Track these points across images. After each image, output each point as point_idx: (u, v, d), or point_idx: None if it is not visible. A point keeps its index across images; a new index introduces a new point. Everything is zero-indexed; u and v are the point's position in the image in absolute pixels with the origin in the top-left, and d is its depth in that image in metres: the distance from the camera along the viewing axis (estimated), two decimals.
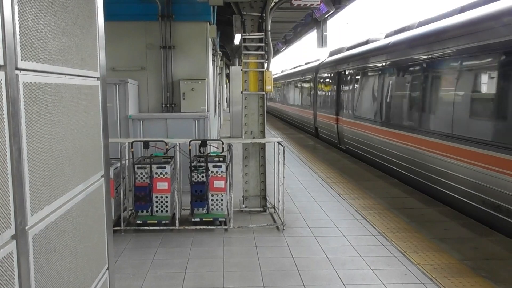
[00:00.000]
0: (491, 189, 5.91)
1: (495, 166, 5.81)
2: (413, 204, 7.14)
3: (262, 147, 6.82)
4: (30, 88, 1.72)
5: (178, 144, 5.97)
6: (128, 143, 6.05)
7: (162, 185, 5.88)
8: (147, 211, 5.91)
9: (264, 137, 6.78)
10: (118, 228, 5.75)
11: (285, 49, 24.72)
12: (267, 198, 6.95)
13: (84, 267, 2.35)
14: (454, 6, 8.27)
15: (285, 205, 6.17)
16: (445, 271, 4.51)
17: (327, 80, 15.37)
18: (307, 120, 18.65)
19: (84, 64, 2.36)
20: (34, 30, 1.75)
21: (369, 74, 11.08)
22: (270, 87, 6.65)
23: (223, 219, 5.96)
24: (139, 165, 5.90)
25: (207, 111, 8.80)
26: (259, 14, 6.61)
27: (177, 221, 5.86)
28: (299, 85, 21.13)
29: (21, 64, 1.64)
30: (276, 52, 25.57)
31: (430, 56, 7.72)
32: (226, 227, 5.92)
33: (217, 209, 5.97)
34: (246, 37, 6.65)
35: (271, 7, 6.72)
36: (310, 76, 18.19)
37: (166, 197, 5.94)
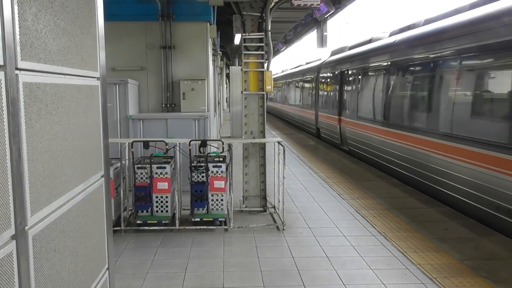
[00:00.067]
0: None
1: None
2: (413, 204, 7.14)
3: (262, 147, 6.82)
4: (30, 88, 1.72)
5: (178, 144, 5.97)
6: (128, 143, 6.05)
7: (162, 185, 5.88)
8: (147, 211, 5.91)
9: (264, 137, 6.78)
10: (118, 228, 5.75)
11: (285, 49, 24.72)
12: (267, 198, 6.95)
13: (84, 267, 2.35)
14: (462, 3, 7.98)
15: (285, 205, 6.17)
16: (445, 271, 4.51)
17: (329, 80, 15.10)
18: (309, 120, 18.40)
19: (84, 64, 2.36)
20: (34, 30, 1.75)
21: (373, 73, 10.79)
22: (270, 87, 6.65)
23: (223, 219, 5.96)
24: (139, 165, 5.90)
25: (207, 111, 8.80)
26: (259, 14, 6.61)
27: (177, 221, 5.86)
28: (300, 85, 20.83)
29: (21, 64, 1.64)
30: (276, 52, 25.57)
31: (440, 54, 7.39)
32: (226, 227, 5.92)
33: (217, 209, 5.97)
34: (246, 37, 6.65)
35: (271, 7, 6.72)
36: (312, 76, 17.91)
37: (166, 197, 5.94)
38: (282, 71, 31.39)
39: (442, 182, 7.23)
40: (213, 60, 12.43)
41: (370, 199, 7.45)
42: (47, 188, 1.88)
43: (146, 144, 6.10)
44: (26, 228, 1.70)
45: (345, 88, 12.94)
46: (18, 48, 1.62)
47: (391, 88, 9.49)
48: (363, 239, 5.52)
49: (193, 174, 5.88)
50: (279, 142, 6.50)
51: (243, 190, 6.88)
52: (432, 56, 7.70)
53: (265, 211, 6.80)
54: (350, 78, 12.52)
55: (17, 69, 1.61)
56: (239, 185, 6.97)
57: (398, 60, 9.14)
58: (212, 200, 5.94)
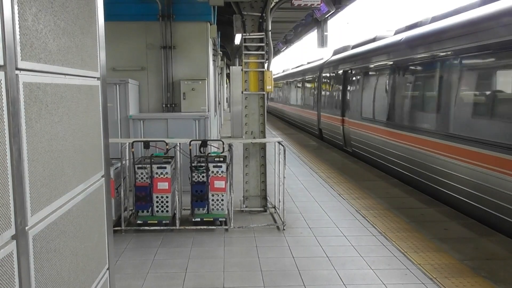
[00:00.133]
0: None
1: None
2: (413, 204, 7.14)
3: (263, 147, 6.82)
4: (30, 88, 1.72)
5: (178, 144, 5.97)
6: (129, 143, 6.05)
7: (163, 185, 5.88)
8: (147, 211, 5.91)
9: (264, 137, 6.78)
10: (119, 228, 5.75)
11: (285, 49, 24.71)
12: (268, 198, 6.95)
13: (84, 267, 2.35)
14: (469, 0, 7.68)
15: (286, 205, 6.17)
16: (446, 271, 4.51)
17: (332, 79, 14.73)
18: (311, 121, 18.02)
19: (84, 64, 2.36)
20: (34, 30, 1.75)
21: (379, 72, 10.40)
22: (270, 87, 6.65)
23: (224, 219, 5.96)
24: (140, 165, 5.90)
25: (208, 111, 8.80)
26: (260, 14, 6.61)
27: (177, 221, 5.86)
28: (302, 85, 20.39)
29: (21, 64, 1.64)
30: (277, 52, 25.56)
31: (452, 52, 6.99)
32: (226, 227, 5.92)
33: (217, 209, 5.97)
34: (246, 37, 6.65)
35: (271, 7, 6.72)
36: (314, 76, 17.51)
37: (167, 197, 5.94)
38: (283, 71, 31.08)
39: (458, 189, 6.73)
40: (214, 60, 12.43)
41: (371, 199, 7.45)
42: (47, 188, 1.88)
43: (146, 144, 6.10)
44: (27, 228, 1.70)
45: (349, 88, 12.58)
46: (18, 48, 1.62)
47: (399, 88, 9.09)
48: (363, 239, 5.52)
49: (193, 174, 5.88)
50: (279, 142, 6.50)
51: (244, 190, 6.88)
52: (442, 54, 7.31)
53: (265, 211, 6.80)
54: (354, 78, 12.15)
55: (17, 69, 1.61)
56: (239, 185, 6.97)
57: (406, 58, 8.74)
58: (213, 200, 5.94)
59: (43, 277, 1.84)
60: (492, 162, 5.92)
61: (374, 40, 11.96)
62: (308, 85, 19.03)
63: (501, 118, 5.89)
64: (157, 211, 5.94)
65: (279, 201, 6.41)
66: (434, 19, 8.68)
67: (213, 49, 11.32)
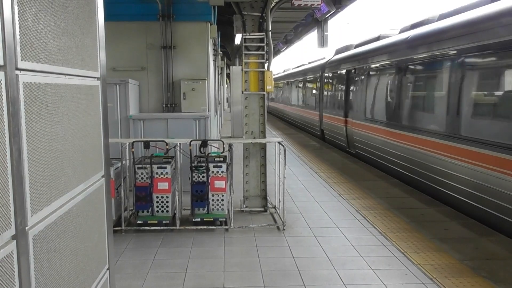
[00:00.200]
0: None
1: None
2: (413, 204, 7.14)
3: (263, 147, 6.82)
4: (30, 88, 1.72)
5: (178, 144, 5.97)
6: (129, 143, 6.05)
7: (163, 185, 5.88)
8: (147, 211, 5.91)
9: (264, 137, 6.78)
10: (119, 228, 5.75)
11: (285, 49, 24.70)
12: (268, 198, 6.95)
13: (84, 267, 2.35)
14: None
15: (286, 205, 6.17)
16: (446, 271, 4.51)
17: (334, 79, 14.38)
18: (312, 121, 17.66)
19: (84, 64, 2.36)
20: (34, 30, 1.75)
21: (384, 72, 10.05)
22: (270, 87, 6.65)
23: (224, 219, 5.96)
24: (140, 165, 5.90)
25: (208, 111, 8.80)
26: (260, 14, 6.61)
27: (177, 221, 5.86)
28: (303, 85, 20.00)
29: (21, 64, 1.64)
30: (277, 52, 25.55)
31: (465, 50, 6.62)
32: (226, 227, 5.92)
33: (217, 209, 5.97)
34: (246, 37, 6.65)
35: (271, 7, 6.72)
36: (316, 76, 17.17)
37: (167, 197, 5.94)
38: (284, 71, 30.70)
39: (467, 193, 6.50)
40: (214, 60, 12.44)
41: (371, 199, 7.45)
42: (48, 188, 1.88)
43: (146, 144, 6.10)
44: (27, 228, 1.70)
45: (352, 88, 12.24)
46: (18, 48, 1.62)
47: (407, 87, 8.72)
48: (363, 239, 5.52)
49: (193, 174, 5.88)
50: (279, 142, 6.50)
51: (244, 190, 6.88)
52: (453, 52, 6.94)
53: (265, 211, 6.80)
54: (358, 78, 11.78)
55: (17, 69, 1.61)
56: (239, 185, 6.97)
57: (414, 57, 8.40)
58: (213, 200, 5.94)
59: (43, 277, 1.84)
60: None
61: (378, 39, 11.72)
62: (309, 85, 18.73)
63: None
64: (157, 211, 5.94)
65: (279, 201, 6.41)
66: (442, 17, 8.44)
67: (213, 49, 11.33)
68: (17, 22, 1.60)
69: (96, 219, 2.58)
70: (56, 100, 1.98)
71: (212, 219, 5.91)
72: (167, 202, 5.95)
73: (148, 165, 5.86)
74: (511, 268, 4.58)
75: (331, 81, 14.91)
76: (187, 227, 5.88)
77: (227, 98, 30.99)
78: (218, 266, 4.72)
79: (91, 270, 2.47)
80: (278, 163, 6.76)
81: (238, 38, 10.26)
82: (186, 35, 8.88)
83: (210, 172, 5.89)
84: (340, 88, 13.56)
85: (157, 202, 5.93)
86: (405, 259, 4.87)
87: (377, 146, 10.17)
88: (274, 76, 30.07)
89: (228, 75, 24.33)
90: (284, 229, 5.92)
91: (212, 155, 6.25)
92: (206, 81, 8.93)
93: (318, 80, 16.66)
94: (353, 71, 12.27)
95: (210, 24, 9.14)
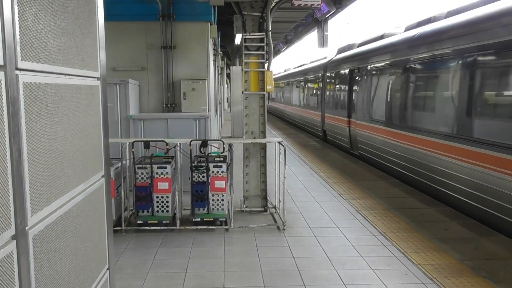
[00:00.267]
0: None
1: None
2: (413, 204, 7.14)
3: (263, 147, 6.82)
4: (30, 88, 1.72)
5: (178, 144, 5.97)
6: (129, 143, 6.05)
7: (163, 185, 5.88)
8: (147, 211, 5.91)
9: (264, 137, 6.78)
10: (119, 228, 5.75)
11: (286, 49, 24.70)
12: (268, 198, 6.95)
13: (84, 267, 2.35)
14: None
15: (286, 205, 6.17)
16: (446, 271, 4.51)
17: (337, 79, 14.04)
18: (314, 122, 17.32)
19: (84, 64, 2.36)
20: (34, 30, 1.75)
21: (390, 71, 9.69)
22: (270, 87, 6.65)
23: (224, 219, 5.96)
24: (140, 165, 5.90)
25: (208, 111, 8.81)
26: (260, 14, 6.61)
27: (177, 221, 5.86)
28: (305, 85, 19.67)
29: (21, 64, 1.64)
30: (277, 52, 25.55)
31: (481, 47, 6.23)
32: (226, 227, 5.92)
33: (217, 209, 5.97)
34: (246, 37, 6.65)
35: (271, 7, 6.72)
36: (318, 75, 16.83)
37: (167, 197, 5.94)
38: (285, 70, 30.44)
39: (476, 197, 6.24)
40: (214, 60, 12.44)
41: (371, 199, 7.45)
42: (47, 188, 1.88)
43: (146, 144, 6.10)
44: (27, 228, 1.70)
45: (356, 88, 11.86)
46: (18, 48, 1.62)
47: (415, 87, 8.37)
48: (363, 239, 5.52)
49: (193, 174, 5.88)
50: (279, 142, 6.50)
51: (244, 190, 6.88)
52: (469, 50, 6.52)
53: (265, 211, 6.80)
54: (362, 77, 11.41)
55: (17, 69, 1.61)
56: (239, 185, 6.97)
57: (423, 55, 8.03)
58: (213, 200, 5.94)
59: (43, 277, 1.84)
60: None
61: (382, 37, 11.40)
62: (311, 85, 18.36)
63: None
64: (157, 211, 5.94)
65: (279, 201, 6.41)
66: (450, 14, 8.14)
67: (213, 49, 11.33)
68: (17, 22, 1.60)
69: (96, 219, 2.58)
70: (56, 100, 1.98)
71: (212, 219, 5.91)
72: (167, 202, 5.95)
73: (148, 165, 5.86)
74: (511, 268, 4.58)
75: (333, 80, 14.60)
76: (187, 227, 5.88)
77: (227, 98, 30.98)
78: (218, 266, 4.72)
79: (91, 270, 2.47)
80: (278, 163, 6.76)
81: (238, 38, 10.26)
82: (186, 35, 8.88)
83: (210, 172, 5.89)
84: (343, 88, 13.26)
85: (157, 202, 5.93)
86: (405, 259, 4.87)
87: (383, 148, 9.80)
88: (274, 76, 30.15)
89: (228, 75, 24.32)
90: (284, 229, 5.92)
91: (212, 155, 6.25)
92: (206, 81, 8.94)
93: (320, 79, 16.35)
94: (356, 70, 11.95)
95: (210, 24, 9.14)
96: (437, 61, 7.54)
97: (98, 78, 2.62)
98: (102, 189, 2.69)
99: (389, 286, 4.24)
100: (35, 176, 1.75)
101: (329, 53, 18.83)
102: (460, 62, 6.82)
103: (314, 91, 17.64)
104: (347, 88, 12.66)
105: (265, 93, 6.71)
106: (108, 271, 2.80)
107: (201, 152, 6.25)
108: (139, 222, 5.88)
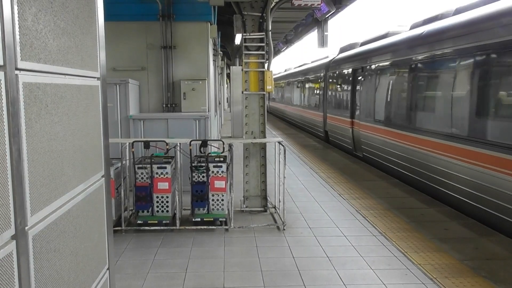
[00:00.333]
0: None
1: None
2: (414, 204, 7.14)
3: (263, 147, 6.82)
4: (30, 88, 1.72)
5: (178, 144, 5.97)
6: (129, 143, 6.05)
7: (163, 185, 5.88)
8: (147, 211, 5.91)
9: (264, 137, 6.78)
10: (119, 228, 5.75)
11: (286, 49, 24.68)
12: (268, 198, 6.95)
13: (84, 267, 2.35)
14: None
15: (286, 205, 6.17)
16: (446, 271, 4.51)
17: (339, 78, 13.73)
18: (316, 122, 17.00)
19: (84, 64, 2.36)
20: (33, 30, 1.75)
21: (396, 70, 9.35)
22: (270, 87, 6.65)
23: (224, 219, 5.96)
24: (140, 165, 5.90)
25: (208, 111, 8.81)
26: (260, 14, 6.61)
27: (177, 221, 5.86)
28: (306, 85, 19.37)
29: (21, 64, 1.64)
30: (277, 52, 25.54)
31: (500, 44, 5.83)
32: (226, 227, 5.92)
33: (217, 209, 5.97)
34: (246, 37, 6.65)
35: (271, 7, 6.72)
36: (319, 75, 16.52)
37: (167, 197, 5.94)
38: (285, 70, 30.17)
39: (495, 205, 5.91)
40: (214, 60, 12.44)
41: (371, 199, 7.44)
42: (47, 188, 1.88)
43: (146, 144, 6.10)
44: (26, 228, 1.70)
45: (359, 88, 11.52)
46: (18, 48, 1.62)
47: (423, 87, 8.03)
48: (363, 239, 5.52)
49: (193, 174, 5.88)
50: (279, 142, 6.50)
51: (244, 190, 6.88)
52: (486, 47, 6.12)
53: (265, 211, 6.80)
54: (366, 77, 11.08)
55: (17, 69, 1.61)
56: (239, 185, 6.97)
57: (433, 53, 7.65)
58: (213, 200, 5.94)
59: (43, 277, 1.84)
60: None
61: (386, 36, 11.11)
62: (313, 84, 18.01)
63: None
64: (157, 211, 5.94)
65: (279, 201, 6.41)
66: (458, 11, 7.82)
67: (213, 49, 11.33)
68: (16, 22, 1.60)
69: (96, 219, 2.58)
70: (56, 100, 1.98)
71: (212, 219, 5.91)
72: (167, 202, 5.95)
73: (148, 165, 5.86)
74: (511, 268, 4.58)
75: (336, 80, 14.29)
76: (187, 227, 5.88)
77: (227, 98, 30.97)
78: (218, 266, 4.72)
79: (91, 270, 2.47)
80: (278, 163, 6.76)
81: (238, 38, 10.26)
82: (186, 35, 8.88)
83: (210, 172, 5.89)
84: (345, 88, 12.96)
85: (157, 202, 5.93)
86: (405, 259, 4.87)
87: (388, 150, 9.44)
88: (275, 76, 30.08)
89: (228, 75, 24.30)
90: (284, 229, 5.92)
91: (212, 155, 6.25)
92: (206, 81, 8.94)
93: (322, 79, 16.05)
94: (360, 70, 11.65)
95: (210, 24, 9.14)
96: (450, 59, 7.08)
97: (98, 78, 2.62)
98: (102, 189, 2.69)
99: (389, 286, 4.24)
100: (35, 176, 1.75)
101: (330, 52, 18.80)
102: (477, 59, 6.37)
103: (316, 91, 17.37)
104: (350, 88, 12.39)
105: (265, 93, 6.71)
106: (108, 271, 2.80)
107: (201, 152, 6.25)
108: (139, 222, 5.88)
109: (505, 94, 5.88)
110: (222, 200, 5.95)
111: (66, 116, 2.09)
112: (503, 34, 5.77)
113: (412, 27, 9.67)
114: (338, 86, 13.99)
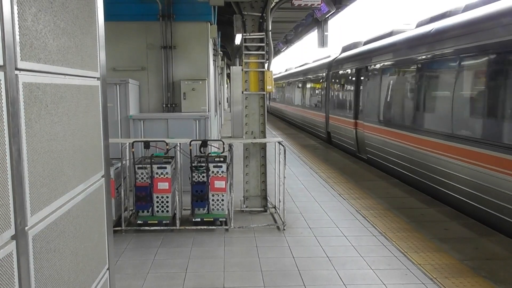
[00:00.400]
0: None
1: None
2: (414, 204, 7.13)
3: (263, 147, 6.82)
4: (30, 88, 1.72)
5: (178, 144, 5.97)
6: (129, 143, 6.05)
7: (163, 185, 5.88)
8: (147, 211, 5.91)
9: (264, 137, 6.78)
10: (119, 228, 5.75)
11: (286, 49, 24.68)
12: (268, 198, 6.94)
13: (84, 267, 2.35)
14: None
15: (286, 205, 6.17)
16: (446, 271, 4.51)
17: (342, 78, 13.50)
18: (318, 123, 16.67)
19: (84, 64, 2.36)
20: (33, 30, 1.75)
21: (403, 69, 9.07)
22: (270, 87, 6.66)
23: (224, 219, 5.96)
24: (140, 165, 5.90)
25: (208, 111, 8.81)
26: (260, 14, 6.61)
27: (177, 221, 5.86)
28: (308, 85, 19.04)
29: (21, 64, 1.64)
30: (277, 52, 25.54)
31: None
32: (226, 227, 5.92)
33: (217, 209, 5.97)
34: (246, 37, 6.65)
35: (271, 7, 6.72)
36: (322, 75, 16.21)
37: (167, 197, 5.94)
38: (286, 70, 29.91)
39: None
40: (214, 60, 12.44)
41: (371, 199, 7.44)
42: (47, 188, 1.88)
43: (146, 144, 6.10)
44: (26, 228, 1.70)
45: (363, 88, 11.23)
46: (18, 48, 1.62)
47: (433, 86, 7.69)
48: (363, 239, 5.52)
49: (193, 174, 5.88)
50: (279, 142, 6.50)
51: (244, 190, 6.88)
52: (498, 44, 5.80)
53: (265, 211, 6.80)
54: (370, 76, 10.78)
55: (16, 69, 1.61)
56: (239, 185, 6.97)
57: (443, 52, 7.31)
58: (213, 200, 5.94)
59: (43, 277, 1.84)
60: None
61: (391, 34, 10.82)
62: (315, 84, 17.63)
63: None
64: (157, 211, 5.94)
65: (279, 201, 6.41)
66: (468, 8, 7.51)
67: (213, 49, 11.33)
68: (16, 22, 1.60)
69: (96, 219, 2.58)
70: (56, 100, 1.98)
71: (212, 219, 5.91)
72: (167, 202, 5.95)
73: (148, 165, 5.86)
74: (511, 268, 4.57)
75: (339, 80, 14.02)
76: (187, 227, 5.88)
77: (227, 98, 30.97)
78: (218, 266, 4.72)
79: (91, 270, 2.47)
80: (278, 163, 6.76)
81: (238, 38, 10.26)
82: (186, 35, 8.88)
83: (210, 172, 5.89)
84: (349, 88, 12.68)
85: (157, 202, 5.93)
86: (405, 259, 4.87)
87: (395, 153, 9.11)
88: (275, 76, 30.00)
89: (228, 75, 24.31)
90: (284, 229, 5.92)
91: (212, 155, 6.25)
92: (206, 81, 8.94)
93: (324, 79, 15.74)
94: (364, 69, 11.34)
95: (210, 24, 9.14)
96: (463, 57, 6.73)
97: (98, 78, 2.62)
98: (102, 189, 2.69)
99: (389, 286, 4.24)
100: (34, 176, 1.75)
101: (331, 52, 18.72)
102: (490, 58, 6.08)
103: (318, 91, 17.04)
104: (353, 88, 12.08)
105: (265, 93, 6.71)
106: (108, 271, 2.80)
107: (201, 152, 6.25)
108: (139, 222, 5.88)
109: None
110: (222, 200, 5.95)
111: (66, 116, 2.09)
112: None
113: (419, 25, 9.42)
114: (341, 86, 13.74)
